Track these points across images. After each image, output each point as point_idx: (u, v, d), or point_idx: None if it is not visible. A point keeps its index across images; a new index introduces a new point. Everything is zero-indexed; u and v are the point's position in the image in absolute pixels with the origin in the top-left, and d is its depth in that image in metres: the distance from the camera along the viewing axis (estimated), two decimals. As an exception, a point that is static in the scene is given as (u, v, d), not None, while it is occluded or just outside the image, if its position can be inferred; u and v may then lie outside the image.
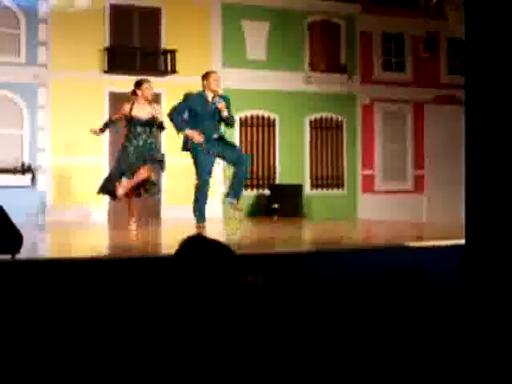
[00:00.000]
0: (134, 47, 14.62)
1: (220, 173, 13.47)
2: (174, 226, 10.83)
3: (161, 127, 9.82)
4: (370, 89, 16.80)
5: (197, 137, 9.26)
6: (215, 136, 9.40)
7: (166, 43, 14.83)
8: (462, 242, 4.73)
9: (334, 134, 16.61)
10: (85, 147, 13.97)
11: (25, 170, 13.64)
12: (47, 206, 13.87)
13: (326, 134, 16.52)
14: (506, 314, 3.82)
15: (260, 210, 15.28)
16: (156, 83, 13.19)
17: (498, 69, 4.40)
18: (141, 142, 9.61)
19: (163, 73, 14.62)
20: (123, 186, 9.55)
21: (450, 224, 9.08)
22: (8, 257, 5.32)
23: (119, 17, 14.54)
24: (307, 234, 10.83)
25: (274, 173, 15.99)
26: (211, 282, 2.42)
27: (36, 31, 13.90)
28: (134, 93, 9.75)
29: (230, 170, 9.95)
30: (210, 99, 9.36)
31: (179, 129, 9.36)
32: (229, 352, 2.32)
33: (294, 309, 4.72)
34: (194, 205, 9.48)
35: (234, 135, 15.05)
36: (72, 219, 13.39)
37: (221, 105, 9.32)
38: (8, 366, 3.59)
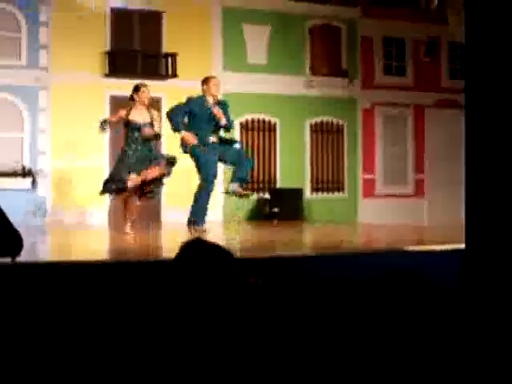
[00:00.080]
0: (135, 51, 14.64)
1: (220, 175, 13.48)
2: (174, 229, 10.82)
3: (156, 138, 9.82)
4: (370, 93, 16.81)
5: (191, 139, 9.30)
6: (213, 140, 9.43)
7: (166, 47, 14.84)
8: (463, 246, 4.72)
9: (335, 138, 16.62)
10: (85, 150, 13.98)
11: (25, 173, 13.65)
12: (47, 209, 13.87)
13: (326, 137, 16.53)
14: (505, 317, 3.82)
15: (260, 214, 15.28)
16: (157, 87, 13.23)
17: (497, 72, 4.41)
18: (139, 147, 9.61)
19: (164, 76, 14.64)
20: (132, 179, 9.50)
21: (451, 228, 9.07)
22: (8, 260, 5.31)
23: (120, 20, 14.55)
24: (307, 238, 10.82)
25: (275, 176, 15.99)
26: (212, 285, 2.42)
27: (37, 34, 13.92)
28: (131, 98, 9.77)
29: (231, 172, 9.95)
30: (209, 103, 9.43)
31: (176, 129, 9.41)
32: (230, 355, 2.32)
33: (295, 312, 4.72)
34: (192, 208, 9.47)
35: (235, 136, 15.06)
36: (72, 222, 13.40)
37: (217, 112, 9.36)
38: (8, 369, 3.59)
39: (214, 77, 9.98)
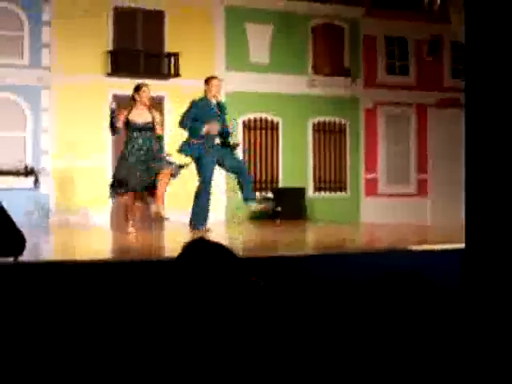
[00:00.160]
0: (138, 50, 14.64)
1: (223, 182, 13.50)
2: (176, 230, 10.82)
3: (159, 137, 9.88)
4: (373, 92, 16.81)
5: (214, 128, 9.45)
6: (217, 140, 9.59)
7: (169, 46, 14.84)
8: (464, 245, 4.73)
9: (337, 138, 16.61)
10: (87, 150, 13.99)
11: (28, 172, 13.66)
12: (50, 208, 13.87)
13: (329, 137, 16.53)
14: (506, 317, 3.82)
15: (263, 213, 15.27)
16: (159, 86, 13.25)
17: (498, 72, 4.40)
18: (136, 146, 9.60)
19: (166, 76, 14.64)
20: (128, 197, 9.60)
21: (454, 227, 9.05)
22: (10, 259, 5.31)
23: (122, 20, 14.56)
24: (310, 237, 10.82)
25: (277, 176, 15.99)
26: (214, 285, 2.42)
27: (39, 34, 13.93)
28: (132, 98, 9.77)
29: (234, 182, 10.09)
30: (212, 104, 9.57)
31: (194, 136, 9.51)
32: (232, 354, 2.32)
33: (297, 312, 4.72)
34: (193, 209, 9.61)
35: (237, 138, 15.07)
36: (74, 221, 13.40)
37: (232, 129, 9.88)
38: (10, 369, 3.59)
39: (215, 77, 10.03)
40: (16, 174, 13.59)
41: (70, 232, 11.33)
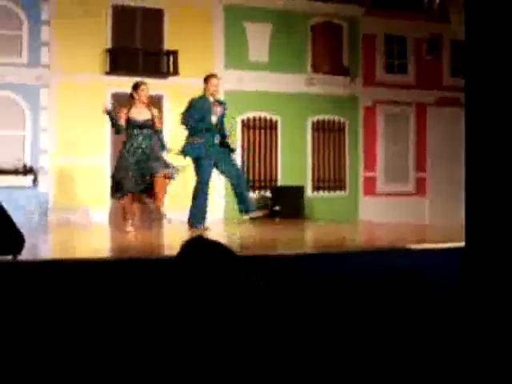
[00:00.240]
0: (136, 48, 14.63)
1: (222, 186, 13.48)
2: (175, 228, 10.82)
3: (158, 138, 9.93)
4: (372, 91, 16.80)
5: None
6: (216, 140, 9.64)
7: (168, 44, 14.83)
8: (463, 244, 4.73)
9: (336, 136, 16.61)
10: (86, 148, 13.99)
11: (26, 171, 13.65)
12: (49, 207, 13.87)
13: (328, 136, 16.52)
14: (506, 315, 3.82)
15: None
16: (158, 84, 13.24)
17: (497, 71, 4.40)
18: (135, 144, 9.61)
19: (165, 74, 14.63)
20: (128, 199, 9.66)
21: (452, 226, 9.07)
22: (9, 258, 5.31)
23: (121, 18, 14.54)
24: (309, 236, 10.82)
25: (276, 174, 15.99)
26: (213, 283, 2.42)
27: (38, 32, 13.92)
28: (131, 96, 9.79)
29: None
30: (211, 102, 9.63)
31: (197, 131, 9.56)
32: (231, 353, 2.32)
33: (296, 311, 4.72)
34: (191, 209, 9.67)
35: (236, 137, 15.06)
36: (73, 220, 13.40)
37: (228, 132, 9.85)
38: (9, 368, 3.59)
39: (214, 75, 10.06)
40: (15, 172, 13.58)
41: (69, 231, 11.33)
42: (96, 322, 4.46)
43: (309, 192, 16.02)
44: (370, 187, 16.85)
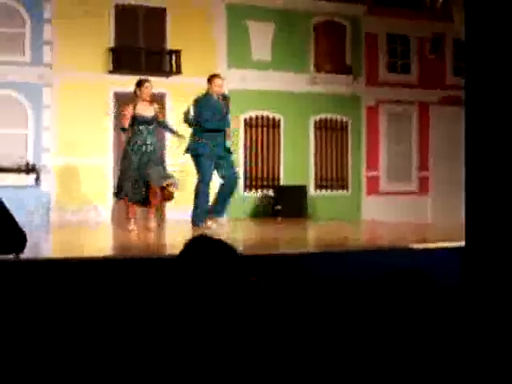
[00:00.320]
0: (139, 47, 14.63)
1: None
2: (177, 227, 10.83)
3: (164, 127, 10.07)
4: (374, 90, 16.79)
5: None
6: (220, 139, 9.67)
7: (170, 44, 14.83)
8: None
9: (339, 136, 16.60)
10: (89, 147, 13.99)
11: (29, 169, 13.65)
12: (51, 206, 13.87)
13: (330, 135, 16.51)
14: (506, 314, 3.82)
15: (264, 211, 15.28)
16: (160, 83, 13.23)
17: (498, 70, 4.40)
18: (139, 142, 9.65)
19: (168, 73, 14.63)
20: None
21: (454, 225, 9.06)
22: (12, 256, 5.31)
23: (124, 17, 14.54)
24: (311, 235, 10.83)
25: (279, 174, 15.98)
26: (216, 282, 2.42)
27: (41, 31, 13.92)
28: (135, 92, 9.88)
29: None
30: (215, 99, 9.67)
31: (204, 130, 9.55)
32: (233, 351, 2.32)
33: (298, 310, 4.71)
34: (193, 208, 9.71)
35: (238, 136, 15.06)
36: (76, 219, 13.40)
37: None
38: (11, 367, 3.59)
39: (218, 75, 10.10)
40: (17, 171, 13.58)
41: (71, 230, 11.34)
42: (98, 321, 4.46)
43: (311, 191, 16.02)
44: (372, 186, 16.84)
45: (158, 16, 14.80)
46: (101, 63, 14.29)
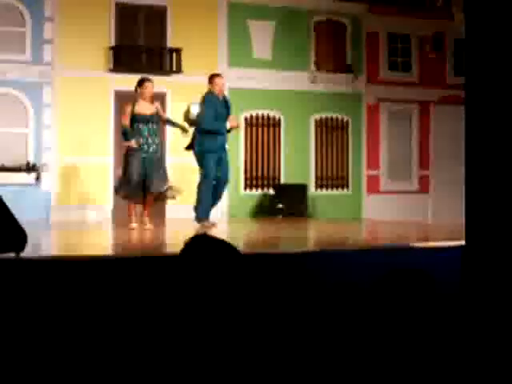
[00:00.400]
0: (140, 46, 14.63)
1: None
2: (178, 226, 10.83)
3: (168, 122, 10.14)
4: (375, 89, 16.78)
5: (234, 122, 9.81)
6: (221, 139, 9.68)
7: (171, 42, 14.82)
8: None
9: (340, 134, 16.59)
10: (90, 146, 13.99)
11: (30, 168, 13.65)
12: (52, 205, 13.87)
13: (331, 133, 16.51)
14: (506, 312, 3.82)
15: (265, 210, 15.28)
16: (161, 82, 13.23)
17: (498, 69, 4.39)
18: (142, 140, 9.67)
19: (168, 72, 14.63)
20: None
21: (455, 224, 9.05)
22: (12, 255, 5.31)
23: (125, 15, 14.54)
24: (312, 234, 10.82)
25: (279, 172, 15.98)
26: (217, 280, 2.41)
27: (41, 29, 13.91)
28: (136, 91, 9.90)
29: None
30: (218, 100, 9.70)
31: (219, 129, 9.57)
32: (234, 350, 2.31)
33: (300, 308, 4.71)
34: (195, 204, 9.70)
35: (239, 135, 15.06)
36: (77, 218, 13.40)
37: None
38: (12, 366, 3.59)
39: (218, 75, 10.08)
40: (18, 170, 13.58)
41: (72, 228, 11.33)
42: (99, 320, 4.46)
43: (312, 190, 16.02)
44: (373, 185, 16.84)
45: (158, 14, 14.79)
46: (101, 62, 14.29)
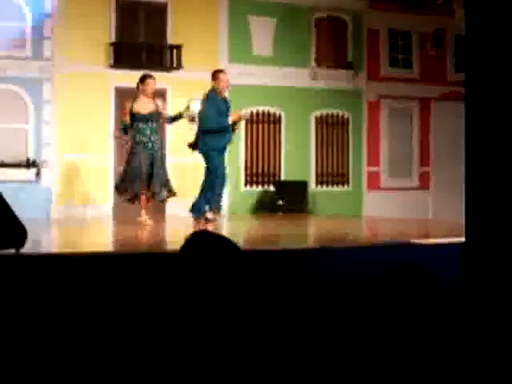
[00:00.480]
0: (140, 42, 14.61)
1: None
2: (179, 222, 10.83)
3: (173, 120, 10.14)
4: (376, 85, 16.78)
5: (237, 116, 9.71)
6: (221, 137, 9.64)
7: (171, 38, 14.81)
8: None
9: (340, 131, 16.59)
10: (90, 142, 13.98)
11: (29, 164, 13.65)
12: (51, 201, 13.87)
13: (331, 130, 16.50)
14: (506, 311, 3.82)
15: (265, 207, 15.28)
16: (162, 78, 13.20)
17: (498, 66, 4.39)
18: (144, 138, 9.68)
19: (169, 68, 14.61)
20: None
21: (455, 221, 9.06)
22: (12, 251, 5.31)
23: (125, 12, 14.52)
24: (312, 231, 10.82)
25: (280, 169, 15.97)
26: (217, 277, 2.41)
27: (42, 25, 13.90)
28: (137, 88, 9.89)
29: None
30: (220, 98, 9.62)
31: (225, 126, 9.51)
32: (234, 347, 2.31)
33: (300, 305, 4.71)
34: (198, 200, 9.65)
35: (239, 131, 15.05)
36: (77, 214, 13.40)
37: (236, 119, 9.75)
38: (12, 363, 3.58)
39: (222, 71, 10.01)
40: (18, 166, 13.58)
41: (72, 224, 11.33)
42: (99, 317, 4.45)
43: (312, 187, 16.01)
44: (373, 182, 16.84)
45: (159, 10, 14.78)
46: (102, 58, 14.28)
